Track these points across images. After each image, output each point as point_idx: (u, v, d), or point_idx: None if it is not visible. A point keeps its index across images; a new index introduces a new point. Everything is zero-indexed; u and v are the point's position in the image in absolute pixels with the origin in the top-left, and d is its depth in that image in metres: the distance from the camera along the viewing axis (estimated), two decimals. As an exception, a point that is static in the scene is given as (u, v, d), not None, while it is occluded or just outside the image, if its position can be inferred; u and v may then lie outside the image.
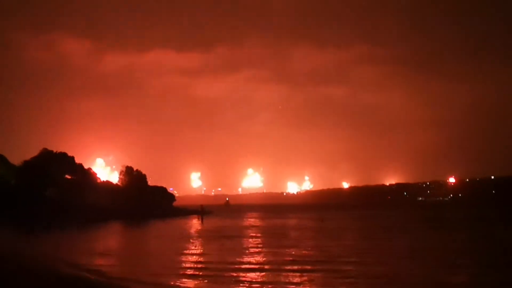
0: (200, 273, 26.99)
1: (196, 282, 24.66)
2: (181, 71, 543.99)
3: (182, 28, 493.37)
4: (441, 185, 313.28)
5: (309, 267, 28.04)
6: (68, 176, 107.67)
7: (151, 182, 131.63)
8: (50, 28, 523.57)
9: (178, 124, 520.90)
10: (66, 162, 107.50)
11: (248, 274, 25.73)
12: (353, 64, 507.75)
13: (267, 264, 29.71)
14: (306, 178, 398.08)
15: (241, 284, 23.17)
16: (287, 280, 23.87)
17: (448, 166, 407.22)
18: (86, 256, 37.56)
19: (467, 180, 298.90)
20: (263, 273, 26.08)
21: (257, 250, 37.91)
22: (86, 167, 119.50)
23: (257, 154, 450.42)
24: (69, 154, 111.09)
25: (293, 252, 35.66)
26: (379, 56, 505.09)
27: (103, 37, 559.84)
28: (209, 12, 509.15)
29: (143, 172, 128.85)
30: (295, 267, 27.94)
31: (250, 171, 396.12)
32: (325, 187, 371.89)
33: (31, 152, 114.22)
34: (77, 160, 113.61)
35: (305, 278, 24.47)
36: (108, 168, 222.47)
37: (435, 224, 70.05)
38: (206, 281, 24.78)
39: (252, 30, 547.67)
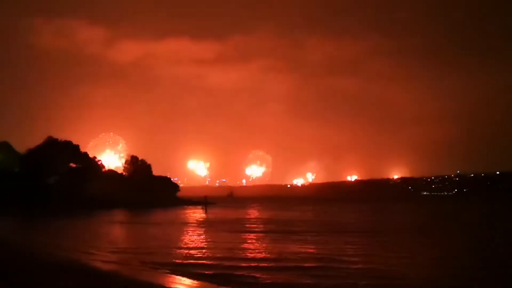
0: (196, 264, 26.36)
1: (191, 278, 23.45)
2: (195, 60, 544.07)
3: (196, 16, 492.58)
4: (446, 180, 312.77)
5: (310, 264, 26.96)
6: (72, 165, 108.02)
7: (156, 171, 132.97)
8: (62, 14, 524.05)
9: (188, 114, 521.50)
10: (70, 150, 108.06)
11: (245, 270, 24.88)
12: (366, 56, 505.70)
13: (266, 259, 28.94)
14: (311, 172, 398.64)
15: (235, 281, 22.28)
16: (287, 279, 22.69)
17: (453, 161, 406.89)
18: (81, 243, 37.50)
19: (472, 175, 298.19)
20: (263, 269, 25.18)
21: (257, 243, 37.42)
22: (92, 155, 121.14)
23: (264, 145, 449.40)
24: (76, 142, 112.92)
25: (295, 247, 35.21)
26: (392, 48, 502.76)
27: (117, 25, 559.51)
28: (224, 1, 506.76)
29: (149, 161, 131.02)
30: (295, 264, 26.97)
31: (255, 162, 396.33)
32: (330, 180, 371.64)
33: (37, 140, 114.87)
34: (84, 149, 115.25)
35: (306, 276, 23.32)
36: (117, 157, 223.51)
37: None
38: (202, 273, 23.97)
39: (266, 19, 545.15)
